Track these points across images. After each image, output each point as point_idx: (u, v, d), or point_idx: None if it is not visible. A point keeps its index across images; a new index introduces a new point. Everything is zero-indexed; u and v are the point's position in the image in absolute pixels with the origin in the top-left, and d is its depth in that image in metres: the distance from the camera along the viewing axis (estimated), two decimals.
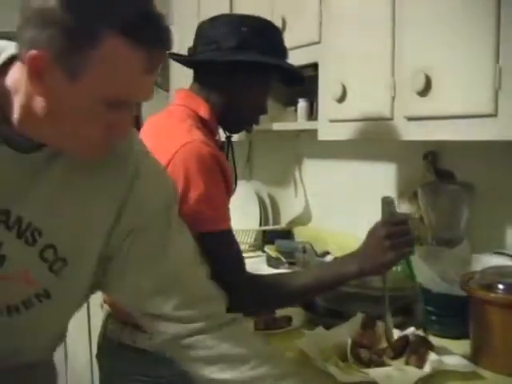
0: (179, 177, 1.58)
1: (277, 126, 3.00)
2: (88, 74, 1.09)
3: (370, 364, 1.67)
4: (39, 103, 1.12)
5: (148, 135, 1.78)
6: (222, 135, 1.95)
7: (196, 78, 1.87)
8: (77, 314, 2.53)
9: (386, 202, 1.76)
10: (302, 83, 1.99)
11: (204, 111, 1.79)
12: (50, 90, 1.10)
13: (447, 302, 1.97)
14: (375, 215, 2.70)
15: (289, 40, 2.54)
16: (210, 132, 1.80)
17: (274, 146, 3.48)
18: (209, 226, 1.59)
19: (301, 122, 2.89)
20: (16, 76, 1.15)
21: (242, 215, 3.42)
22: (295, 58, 2.53)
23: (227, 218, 1.66)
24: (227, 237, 1.65)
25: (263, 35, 1.81)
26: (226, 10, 3.05)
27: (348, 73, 2.23)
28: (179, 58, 1.90)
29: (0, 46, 1.20)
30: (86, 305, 1.62)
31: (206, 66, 1.81)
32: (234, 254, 1.66)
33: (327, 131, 2.39)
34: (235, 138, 3.13)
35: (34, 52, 1.06)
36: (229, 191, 1.72)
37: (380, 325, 1.84)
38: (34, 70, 1.07)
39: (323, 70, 2.39)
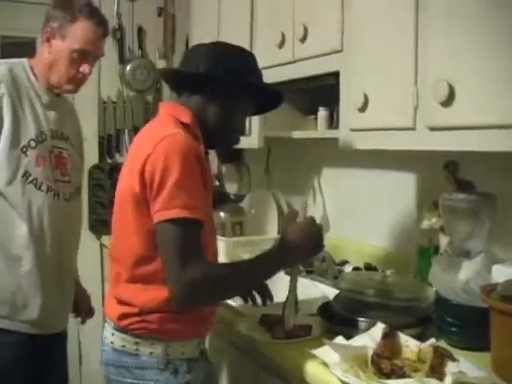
0: (158, 164, 1.71)
1: (297, 135, 3.00)
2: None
3: (391, 375, 1.66)
4: None
5: (134, 142, 2.02)
6: None
7: (183, 94, 2.00)
8: (91, 323, 2.58)
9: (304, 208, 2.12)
10: (278, 105, 2.15)
11: (185, 117, 1.90)
12: None
13: (467, 314, 1.95)
14: (394, 224, 2.72)
15: (310, 48, 2.56)
16: (193, 137, 1.87)
17: (293, 155, 3.47)
18: (182, 211, 1.69)
19: (321, 131, 2.89)
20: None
21: (261, 223, 3.42)
22: (316, 67, 2.55)
23: (200, 208, 1.74)
24: (193, 226, 1.72)
25: (255, 66, 2.01)
26: (246, 22, 3.07)
27: (370, 82, 2.23)
28: (184, 75, 2.00)
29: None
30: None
31: (203, 85, 1.93)
32: (198, 243, 1.74)
33: (348, 140, 2.39)
34: (253, 145, 3.15)
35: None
36: (206, 186, 1.82)
37: (401, 336, 1.83)
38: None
39: (345, 79, 2.39)
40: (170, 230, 1.71)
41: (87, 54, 2.32)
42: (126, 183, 1.83)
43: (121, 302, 1.88)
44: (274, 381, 2.05)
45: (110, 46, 4.04)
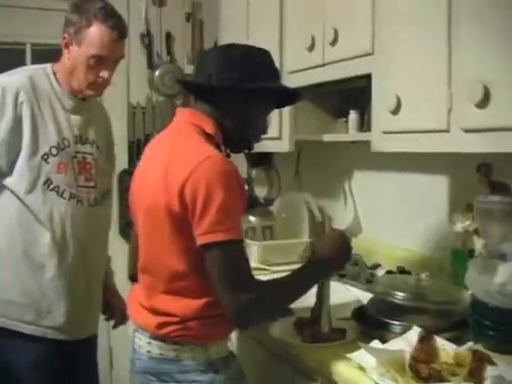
0: (200, 188, 1.71)
1: (328, 138, 3.00)
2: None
3: (428, 379, 1.65)
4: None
5: (153, 148, 2.04)
6: None
7: (200, 100, 1.99)
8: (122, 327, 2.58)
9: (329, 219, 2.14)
10: (296, 101, 2.19)
11: (209, 127, 1.91)
12: None
13: (505, 317, 1.94)
14: (427, 227, 2.70)
15: (341, 51, 2.56)
16: (216, 146, 1.90)
17: (324, 158, 3.47)
18: (227, 234, 1.72)
19: (352, 134, 2.88)
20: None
21: (291, 226, 3.42)
22: (347, 70, 2.54)
23: (240, 228, 1.78)
24: (240, 247, 1.77)
25: (271, 64, 2.00)
26: (275, 26, 3.07)
27: (403, 84, 2.22)
28: (197, 84, 2.02)
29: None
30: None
31: (219, 92, 1.93)
32: (246, 263, 1.79)
33: (381, 143, 2.38)
34: (284, 149, 3.15)
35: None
36: (244, 202, 1.84)
37: (437, 339, 1.82)
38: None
39: (377, 82, 2.38)
40: (216, 253, 1.74)
41: (105, 59, 2.29)
42: (161, 199, 1.80)
43: (158, 313, 1.89)
44: None
45: (138, 51, 4.08)
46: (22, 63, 3.75)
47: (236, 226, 1.75)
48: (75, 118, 2.37)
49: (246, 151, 2.19)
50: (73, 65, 2.31)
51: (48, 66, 2.39)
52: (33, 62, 3.74)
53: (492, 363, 1.69)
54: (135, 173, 2.07)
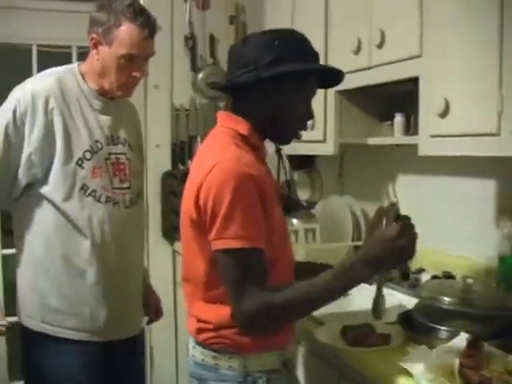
0: (210, 194, 1.69)
1: (372, 141, 2.98)
2: None
3: None
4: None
5: (196, 155, 1.99)
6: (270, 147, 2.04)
7: (235, 100, 1.94)
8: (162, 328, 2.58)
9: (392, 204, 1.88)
10: (339, 81, 2.02)
11: (243, 128, 1.86)
12: None
13: None
14: (473, 232, 2.67)
15: (388, 54, 2.54)
16: (252, 147, 1.87)
17: (367, 161, 3.45)
18: (232, 242, 1.68)
19: (398, 137, 2.86)
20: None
21: (334, 229, 3.40)
22: (394, 72, 2.52)
23: (253, 235, 1.70)
24: (250, 255, 1.70)
25: (295, 44, 1.86)
26: (320, 29, 3.06)
27: (451, 87, 2.20)
28: (220, 86, 2.03)
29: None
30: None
31: (247, 87, 1.84)
32: (255, 271, 1.71)
33: (428, 146, 2.36)
34: (329, 152, 3.14)
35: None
36: (269, 206, 1.75)
37: (486, 346, 1.79)
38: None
39: (425, 85, 2.36)
40: (223, 260, 1.72)
41: (136, 58, 2.26)
42: (186, 206, 1.83)
43: (197, 319, 1.89)
44: None
45: (182, 54, 4.10)
46: (29, 64, 3.80)
47: (244, 232, 1.68)
48: (105, 118, 2.36)
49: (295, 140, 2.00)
50: (103, 65, 2.29)
51: (75, 67, 2.39)
52: (39, 63, 3.79)
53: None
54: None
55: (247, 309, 1.69)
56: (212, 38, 4.23)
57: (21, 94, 2.25)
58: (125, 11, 2.23)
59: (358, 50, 2.74)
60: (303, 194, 3.92)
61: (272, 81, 1.81)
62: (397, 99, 2.90)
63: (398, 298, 2.56)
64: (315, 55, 1.90)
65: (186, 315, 1.98)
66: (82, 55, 3.78)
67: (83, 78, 2.35)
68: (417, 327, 2.09)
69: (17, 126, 2.22)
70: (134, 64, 2.28)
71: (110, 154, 2.35)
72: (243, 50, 1.85)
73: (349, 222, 3.31)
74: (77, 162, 2.26)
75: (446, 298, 2.06)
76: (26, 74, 3.64)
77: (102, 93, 2.35)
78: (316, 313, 2.30)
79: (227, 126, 1.89)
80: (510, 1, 1.92)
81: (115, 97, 2.38)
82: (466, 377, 1.65)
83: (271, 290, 1.72)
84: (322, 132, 3.10)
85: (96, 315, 2.33)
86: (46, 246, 2.30)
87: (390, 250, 1.69)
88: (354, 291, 2.65)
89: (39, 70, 3.67)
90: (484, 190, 2.64)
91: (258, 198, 1.71)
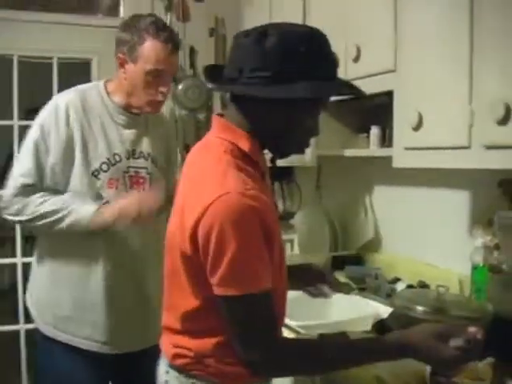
0: (212, 233, 1.49)
1: (349, 153, 3.03)
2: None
3: None
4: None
5: (186, 167, 1.77)
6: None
7: (236, 103, 1.67)
8: None
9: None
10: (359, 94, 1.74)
11: (244, 143, 1.64)
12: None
13: None
14: (447, 242, 2.71)
15: (363, 68, 2.59)
16: (251, 163, 1.65)
17: (344, 172, 3.50)
18: (240, 290, 1.52)
19: (374, 149, 2.90)
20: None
21: (312, 240, 3.44)
22: (369, 86, 2.55)
23: (262, 279, 1.54)
24: (258, 301, 1.55)
25: (320, 55, 1.58)
26: None
27: (424, 100, 2.24)
28: (227, 87, 1.72)
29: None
30: None
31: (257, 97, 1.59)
32: (265, 318, 1.58)
33: (402, 159, 2.41)
34: (304, 163, 3.18)
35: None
36: (272, 240, 1.58)
37: None
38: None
39: (399, 98, 2.41)
40: (228, 307, 1.56)
41: (162, 73, 2.32)
42: (177, 239, 1.64)
43: (176, 346, 1.72)
44: None
45: None
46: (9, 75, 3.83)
47: (253, 277, 1.53)
48: (128, 133, 2.42)
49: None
50: (131, 83, 2.35)
51: (100, 84, 2.46)
52: (19, 73, 3.83)
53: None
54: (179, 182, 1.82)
55: (252, 359, 1.57)
56: (192, 50, 4.25)
57: (47, 108, 2.37)
58: (147, 28, 2.29)
59: None
60: (281, 205, 3.95)
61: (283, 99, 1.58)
62: (373, 112, 2.94)
63: (375, 307, 2.60)
64: (336, 64, 1.65)
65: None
66: (63, 66, 3.86)
67: (107, 95, 2.42)
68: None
69: (44, 138, 2.31)
70: (160, 79, 2.34)
71: (128, 167, 2.40)
72: (261, 45, 1.54)
73: (327, 232, 3.34)
74: (93, 173, 2.33)
75: (419, 307, 2.09)
76: (7, 84, 3.72)
77: (129, 109, 2.42)
78: (292, 322, 2.35)
79: (225, 138, 1.65)
80: (480, 18, 1.97)
81: (144, 113, 2.44)
82: (437, 382, 1.70)
83: (278, 342, 1.61)
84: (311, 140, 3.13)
85: (108, 326, 2.38)
86: (64, 256, 2.37)
87: (440, 365, 1.58)
88: (332, 301, 2.72)
89: (20, 81, 3.75)
90: (458, 201, 2.69)
91: (262, 234, 1.53)
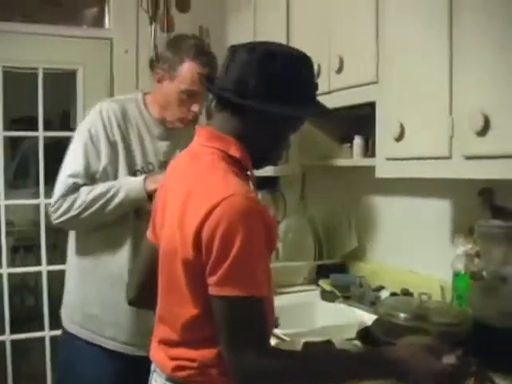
0: (217, 234, 1.52)
1: (333, 162, 3.07)
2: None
3: None
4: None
5: (173, 176, 1.82)
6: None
7: (230, 115, 1.72)
8: None
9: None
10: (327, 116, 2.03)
11: (235, 150, 1.69)
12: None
13: (507, 338, 1.99)
14: (430, 251, 2.75)
15: (346, 79, 2.63)
16: (243, 170, 1.72)
17: (329, 181, 3.53)
18: (238, 291, 1.52)
19: (356, 159, 2.94)
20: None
21: (297, 249, 3.47)
22: (352, 97, 2.61)
23: (261, 284, 1.56)
24: (255, 304, 1.55)
25: (311, 78, 1.76)
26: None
27: (406, 112, 2.29)
28: (227, 96, 1.72)
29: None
30: None
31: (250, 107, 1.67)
32: (259, 323, 1.58)
33: (385, 169, 2.44)
34: (288, 173, 3.22)
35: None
36: (271, 245, 1.64)
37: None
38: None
39: (381, 110, 2.45)
40: (223, 308, 1.55)
41: (195, 94, 2.44)
42: (177, 247, 1.65)
43: (176, 359, 1.71)
44: None
45: (146, 75, 4.12)
46: None
47: (253, 281, 1.54)
48: (162, 145, 2.55)
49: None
50: (166, 99, 2.50)
51: (139, 95, 2.61)
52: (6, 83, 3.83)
53: (493, 382, 1.75)
54: (157, 197, 1.91)
55: (240, 368, 1.54)
56: None
57: (92, 114, 2.53)
58: (188, 50, 2.44)
59: (317, 75, 2.80)
60: None
61: (274, 114, 1.68)
62: (356, 122, 2.98)
63: (359, 315, 2.63)
64: (316, 90, 1.79)
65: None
66: (48, 76, 3.87)
67: (145, 107, 2.56)
68: (374, 342, 2.15)
69: (93, 141, 2.47)
70: (193, 99, 2.47)
71: None
72: (269, 66, 1.66)
73: (311, 241, 3.37)
74: None
75: (401, 314, 2.12)
76: None
77: (164, 122, 2.55)
78: (277, 330, 2.37)
79: (213, 146, 1.70)
80: (459, 31, 2.02)
81: (175, 128, 2.55)
82: None
83: (278, 358, 1.60)
84: (285, 153, 3.15)
85: (133, 328, 2.47)
86: (92, 257, 2.51)
87: (426, 375, 1.59)
88: (317, 309, 2.75)
89: (4, 91, 3.75)
90: (440, 210, 2.73)
91: (264, 238, 1.57)
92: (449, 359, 1.56)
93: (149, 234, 1.96)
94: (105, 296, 2.50)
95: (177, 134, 2.57)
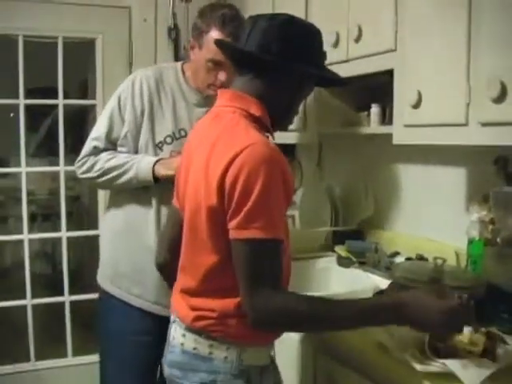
0: (239, 178, 1.60)
1: (351, 131, 3.11)
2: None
3: (446, 356, 1.75)
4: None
5: (196, 138, 1.92)
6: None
7: (244, 78, 1.85)
8: None
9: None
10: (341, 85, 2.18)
11: (255, 109, 1.79)
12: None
13: None
14: (445, 217, 2.79)
15: (364, 48, 2.65)
16: (265, 129, 1.81)
17: (345, 150, 3.57)
18: (259, 233, 1.59)
19: (374, 127, 2.96)
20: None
21: (313, 215, 3.51)
22: (370, 65, 2.63)
23: (278, 228, 1.63)
24: (273, 247, 1.63)
25: (320, 45, 1.93)
26: None
27: (424, 79, 2.31)
28: (248, 52, 1.83)
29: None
30: None
31: (270, 68, 1.80)
32: (275, 265, 1.64)
33: (402, 136, 2.47)
34: (305, 141, 3.25)
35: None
36: (288, 196, 1.69)
37: None
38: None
39: (399, 77, 2.47)
40: (244, 250, 1.62)
41: (221, 63, 2.48)
42: (201, 196, 1.72)
43: (196, 308, 1.79)
44: None
45: (165, 44, 4.17)
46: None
47: (272, 224, 1.60)
48: (199, 111, 2.59)
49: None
50: (195, 66, 2.58)
51: (179, 64, 2.71)
52: (25, 54, 3.87)
53: (505, 343, 1.80)
54: (180, 163, 2.01)
55: (258, 306, 1.61)
56: None
57: (126, 81, 2.66)
58: (215, 19, 2.48)
59: (336, 44, 2.83)
60: None
61: (305, 75, 1.86)
62: (373, 90, 3.00)
63: (375, 280, 2.67)
64: (325, 57, 1.95)
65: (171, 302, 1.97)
66: (68, 45, 3.91)
67: (183, 74, 2.66)
68: None
69: (119, 108, 2.60)
70: (220, 68, 2.52)
71: None
72: (290, 30, 1.81)
73: (327, 208, 3.40)
74: (157, 145, 2.58)
75: (417, 278, 2.17)
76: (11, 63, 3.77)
77: (199, 89, 2.62)
78: None
79: (235, 105, 1.81)
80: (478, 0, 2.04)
81: (207, 94, 2.60)
82: (435, 347, 1.78)
83: (291, 296, 1.67)
84: (303, 121, 3.20)
85: (159, 289, 2.53)
86: (124, 219, 2.64)
87: (435, 322, 1.62)
88: (332, 274, 2.80)
89: (25, 60, 3.79)
90: (455, 177, 2.76)
91: (283, 186, 1.65)
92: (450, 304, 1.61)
93: (174, 200, 2.06)
94: (133, 256, 2.61)
95: (214, 101, 2.58)
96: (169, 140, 2.58)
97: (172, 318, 1.94)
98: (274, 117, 1.85)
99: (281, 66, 1.79)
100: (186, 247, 1.87)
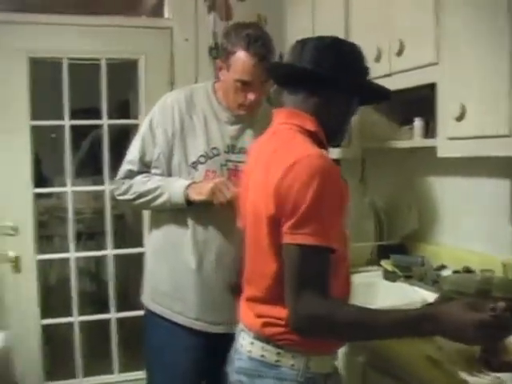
0: (294, 186, 1.66)
1: (393, 144, 3.10)
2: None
3: (498, 369, 1.73)
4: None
5: (255, 155, 2.00)
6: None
7: (297, 96, 1.91)
8: None
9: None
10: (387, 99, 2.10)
11: (311, 125, 1.85)
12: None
13: None
14: (490, 230, 2.77)
15: (406, 62, 2.66)
16: (320, 144, 1.85)
17: (388, 164, 3.57)
18: (307, 239, 1.63)
19: (418, 140, 2.96)
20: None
21: (358, 230, 3.50)
22: (412, 79, 2.64)
23: (330, 237, 1.66)
24: (322, 254, 1.66)
25: (365, 62, 1.98)
26: (341, 36, 3.10)
27: (467, 92, 2.31)
28: (306, 70, 1.88)
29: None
30: None
31: (321, 84, 1.86)
32: (323, 272, 1.66)
33: (446, 148, 2.47)
34: (351, 156, 3.26)
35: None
36: (342, 207, 1.73)
37: None
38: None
39: (442, 90, 2.47)
40: (292, 254, 1.66)
41: (249, 83, 2.50)
42: (261, 204, 1.78)
43: (263, 316, 1.83)
44: None
45: (206, 63, 4.20)
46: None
47: (322, 232, 1.64)
48: (231, 129, 2.64)
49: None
50: (225, 87, 2.60)
51: (210, 83, 2.72)
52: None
53: None
54: (241, 181, 2.10)
55: (302, 311, 1.65)
56: None
57: (157, 105, 2.71)
58: (240, 40, 2.48)
59: (378, 58, 2.85)
60: None
61: (354, 90, 1.93)
62: (415, 104, 3.00)
63: (421, 295, 2.66)
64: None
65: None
66: (109, 66, 3.98)
67: (214, 93, 2.67)
68: None
69: (151, 132, 2.65)
70: (248, 88, 2.52)
71: (227, 160, 2.62)
72: (340, 49, 1.90)
73: (371, 223, 3.41)
74: (191, 165, 2.59)
75: (466, 291, 2.16)
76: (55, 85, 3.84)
77: (229, 107, 2.64)
78: None
79: (291, 122, 1.88)
80: None
81: (237, 114, 2.63)
82: (486, 360, 1.77)
83: (333, 303, 1.69)
84: (347, 137, 3.20)
85: (199, 305, 2.59)
86: (163, 238, 2.68)
87: (466, 335, 1.54)
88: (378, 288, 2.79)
89: (70, 82, 3.87)
90: (498, 189, 2.74)
91: (339, 196, 1.70)
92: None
93: (238, 222, 2.11)
94: (172, 275, 2.63)
95: (247, 118, 2.63)
96: (202, 159, 2.58)
97: (240, 327, 1.99)
98: (328, 133, 1.90)
99: (334, 81, 1.84)
100: (249, 259, 1.94)
